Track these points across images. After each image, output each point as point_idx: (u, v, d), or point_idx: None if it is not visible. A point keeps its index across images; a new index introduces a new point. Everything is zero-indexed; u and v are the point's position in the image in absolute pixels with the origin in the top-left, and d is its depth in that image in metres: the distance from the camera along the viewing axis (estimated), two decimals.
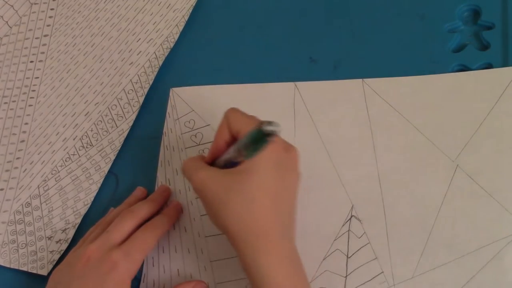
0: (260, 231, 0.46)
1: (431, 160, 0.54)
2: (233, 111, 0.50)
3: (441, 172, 0.53)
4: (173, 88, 0.64)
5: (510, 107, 0.54)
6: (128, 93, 0.64)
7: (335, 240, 0.53)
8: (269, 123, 0.40)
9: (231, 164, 0.48)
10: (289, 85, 0.61)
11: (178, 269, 0.56)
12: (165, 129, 0.62)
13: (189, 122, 0.62)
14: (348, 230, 0.54)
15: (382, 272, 0.51)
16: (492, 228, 0.51)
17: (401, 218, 0.53)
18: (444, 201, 0.52)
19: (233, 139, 0.49)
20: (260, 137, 0.41)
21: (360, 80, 0.59)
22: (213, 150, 0.51)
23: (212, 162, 0.51)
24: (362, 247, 0.53)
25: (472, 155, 0.53)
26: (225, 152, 0.49)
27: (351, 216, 0.54)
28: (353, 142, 0.57)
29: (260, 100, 0.61)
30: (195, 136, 0.61)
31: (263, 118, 0.59)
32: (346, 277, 0.52)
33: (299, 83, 0.61)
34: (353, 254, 0.53)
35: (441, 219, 0.52)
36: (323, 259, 0.53)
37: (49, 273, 0.58)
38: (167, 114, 0.63)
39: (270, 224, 0.46)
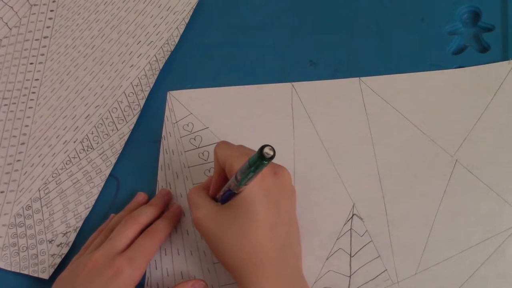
0: (255, 261, 0.47)
1: (430, 155, 0.54)
2: (219, 144, 0.52)
3: (441, 168, 0.54)
4: (170, 92, 0.64)
5: (507, 101, 0.55)
6: (129, 96, 0.64)
7: (337, 239, 0.54)
8: (268, 146, 0.40)
9: (229, 195, 0.49)
10: (287, 85, 0.61)
11: (181, 272, 0.56)
12: (164, 133, 0.62)
13: (187, 125, 0.62)
14: (350, 229, 0.54)
15: (386, 269, 0.52)
16: (493, 221, 0.51)
17: (402, 214, 0.53)
18: (444, 196, 0.53)
19: (224, 170, 0.51)
20: (258, 161, 0.42)
21: (357, 78, 0.59)
22: (213, 186, 0.53)
23: (215, 196, 0.53)
24: (364, 245, 0.53)
25: (470, 149, 0.54)
26: (225, 185, 0.50)
27: (353, 215, 0.54)
28: (352, 140, 0.57)
29: (258, 101, 0.61)
30: (194, 139, 0.61)
31: (261, 119, 0.60)
32: (350, 276, 0.52)
33: (296, 83, 0.61)
34: (356, 253, 0.53)
35: (442, 214, 0.52)
36: (326, 259, 0.53)
37: (51, 277, 0.58)
38: (165, 118, 0.63)
39: (265, 253, 0.47)
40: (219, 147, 0.51)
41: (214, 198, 0.52)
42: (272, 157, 0.40)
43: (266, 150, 0.40)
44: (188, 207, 0.57)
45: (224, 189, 0.50)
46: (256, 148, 0.51)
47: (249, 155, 0.45)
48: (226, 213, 0.48)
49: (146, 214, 0.56)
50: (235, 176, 0.46)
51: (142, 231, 0.55)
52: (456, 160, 0.54)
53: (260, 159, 0.41)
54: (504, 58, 0.57)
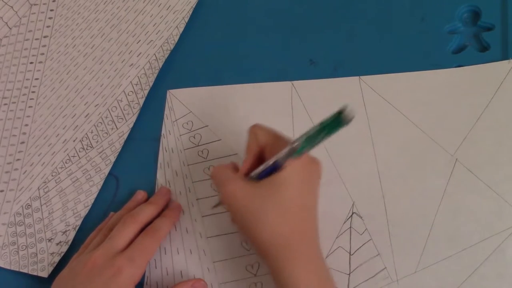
0: (293, 242, 0.46)
1: (430, 155, 0.55)
2: (259, 127, 0.51)
3: (441, 167, 0.54)
4: (169, 90, 0.64)
5: (507, 100, 0.55)
6: (128, 94, 0.64)
7: (337, 237, 0.54)
8: (347, 109, 0.40)
9: (271, 170, 0.48)
10: (286, 84, 0.61)
11: (181, 271, 0.56)
12: (163, 131, 0.62)
13: (187, 123, 0.62)
14: (350, 227, 0.54)
15: (385, 268, 0.52)
16: (493, 221, 0.51)
17: (402, 213, 0.53)
18: (444, 195, 0.53)
19: (262, 153, 0.50)
20: (336, 123, 0.42)
21: (357, 77, 0.59)
22: (246, 165, 0.51)
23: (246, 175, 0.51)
24: (364, 243, 0.53)
25: (471, 148, 0.54)
26: (263, 164, 0.49)
27: (353, 213, 0.54)
28: (351, 139, 0.57)
29: (258, 100, 0.61)
30: (194, 137, 0.61)
31: (261, 118, 0.60)
32: (349, 274, 0.52)
33: (296, 82, 0.61)
34: (355, 251, 0.53)
35: (442, 213, 0.52)
36: (326, 257, 0.53)
37: (50, 275, 0.58)
38: (164, 116, 0.63)
39: (301, 235, 0.47)
40: (259, 128, 0.51)
41: None
42: (350, 120, 0.40)
43: (348, 111, 0.40)
44: (189, 206, 0.57)
45: (265, 164, 0.48)
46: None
47: (288, 139, 0.46)
48: (266, 188, 0.47)
49: (146, 212, 0.56)
50: (290, 146, 0.45)
51: (141, 230, 0.54)
52: (456, 159, 0.54)
53: (339, 122, 0.41)
54: (504, 57, 0.57)
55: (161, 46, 0.66)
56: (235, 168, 0.52)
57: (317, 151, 0.56)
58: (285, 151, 0.46)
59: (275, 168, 0.47)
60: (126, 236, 0.53)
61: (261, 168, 0.49)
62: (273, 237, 0.46)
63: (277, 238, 0.46)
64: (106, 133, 0.64)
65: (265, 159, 0.49)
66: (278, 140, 0.49)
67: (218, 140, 0.60)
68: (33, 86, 0.70)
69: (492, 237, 0.51)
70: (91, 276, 0.50)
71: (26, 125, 0.67)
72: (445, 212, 0.52)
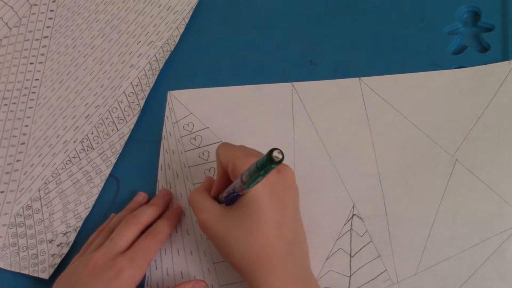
0: (264, 260, 0.47)
1: (430, 155, 0.55)
2: (221, 146, 0.52)
3: (441, 167, 0.54)
4: (170, 91, 0.64)
5: (507, 101, 0.55)
6: (129, 96, 0.64)
7: (337, 239, 0.54)
8: (277, 150, 0.40)
9: (234, 197, 0.49)
10: (287, 85, 0.61)
11: (181, 272, 0.56)
12: (164, 133, 0.62)
13: (187, 125, 0.62)
14: (350, 229, 0.54)
15: (386, 270, 0.52)
16: (493, 221, 0.51)
17: (402, 214, 0.53)
18: (444, 196, 0.53)
19: (226, 172, 0.51)
20: (267, 165, 0.41)
21: (357, 78, 0.59)
22: (216, 187, 0.52)
23: (217, 197, 0.53)
24: (364, 245, 0.53)
25: (470, 149, 0.54)
26: (228, 186, 0.50)
27: (353, 215, 0.54)
28: (352, 140, 0.57)
29: (258, 101, 0.61)
30: (194, 139, 0.61)
31: (262, 119, 0.60)
32: (350, 276, 0.52)
33: (296, 83, 0.61)
34: (356, 253, 0.53)
35: (442, 214, 0.52)
36: (327, 259, 0.53)
37: (51, 277, 0.58)
38: (165, 118, 0.63)
39: (273, 251, 0.47)
40: (221, 148, 0.51)
41: (216, 199, 0.52)
42: (281, 160, 0.40)
43: (275, 153, 0.40)
44: (189, 208, 0.57)
45: (228, 190, 0.50)
46: (257, 148, 0.51)
47: (253, 156, 0.46)
48: (232, 214, 0.48)
49: (147, 214, 0.56)
50: (240, 178, 0.46)
51: (143, 232, 0.55)
52: (456, 160, 0.54)
53: (269, 163, 0.41)
54: (504, 58, 0.57)
55: (161, 47, 0.66)
56: (210, 187, 0.54)
57: (318, 153, 0.57)
58: (237, 182, 0.46)
59: (237, 195, 0.48)
60: (127, 237, 0.53)
61: (224, 194, 0.50)
62: (242, 261, 0.48)
63: (246, 262, 0.47)
64: (106, 134, 0.64)
65: (231, 180, 0.50)
66: (238, 160, 0.48)
67: (218, 142, 0.60)
68: (33, 87, 0.70)
69: (492, 238, 0.50)
70: (92, 277, 0.50)
71: (26, 126, 0.67)
72: (445, 213, 0.52)
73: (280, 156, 0.40)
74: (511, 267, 0.49)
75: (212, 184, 0.54)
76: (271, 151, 0.40)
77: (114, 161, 0.63)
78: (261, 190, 0.47)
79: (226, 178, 0.51)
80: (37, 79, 0.70)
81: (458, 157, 0.54)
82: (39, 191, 0.63)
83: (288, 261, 0.47)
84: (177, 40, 0.67)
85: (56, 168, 0.63)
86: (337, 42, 0.63)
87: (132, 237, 0.53)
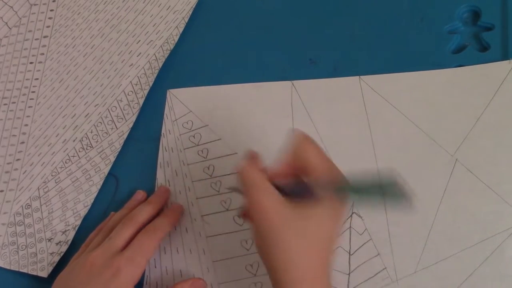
0: (307, 278, 0.43)
1: (430, 155, 0.55)
2: (310, 144, 0.47)
3: (441, 167, 0.54)
4: (169, 90, 0.64)
5: (507, 100, 0.55)
6: (128, 94, 0.64)
7: None
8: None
9: (301, 194, 0.45)
10: (286, 83, 0.61)
11: (180, 270, 0.56)
12: (163, 131, 0.62)
13: (187, 123, 0.62)
14: (350, 227, 0.54)
15: (385, 268, 0.52)
16: (493, 221, 0.51)
17: (401, 213, 0.53)
18: (444, 195, 0.53)
19: (302, 170, 0.46)
20: (395, 198, 0.39)
21: (357, 77, 0.59)
22: (278, 172, 0.47)
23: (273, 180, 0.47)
24: (364, 243, 0.53)
25: (471, 149, 0.54)
26: (295, 180, 0.46)
27: (352, 213, 0.54)
28: (351, 139, 0.57)
29: (257, 99, 0.61)
30: (194, 136, 0.61)
31: (261, 117, 0.60)
32: (349, 274, 0.52)
33: (296, 82, 0.61)
34: (355, 251, 0.53)
35: (442, 214, 0.52)
36: None
37: (49, 275, 0.58)
38: (164, 116, 0.63)
39: (317, 273, 0.44)
40: (309, 146, 0.47)
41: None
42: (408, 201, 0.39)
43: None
44: (189, 207, 0.57)
45: (305, 184, 0.45)
46: (257, 148, 0.49)
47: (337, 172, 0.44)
48: (298, 214, 0.44)
49: (145, 213, 0.56)
50: (341, 182, 0.43)
51: (141, 229, 0.54)
52: (456, 159, 0.54)
53: (399, 198, 0.39)
54: (504, 57, 0.57)
55: (161, 46, 0.66)
56: (261, 167, 0.48)
57: None
58: (332, 182, 0.43)
59: (307, 192, 0.44)
60: (125, 236, 0.53)
61: (297, 185, 0.46)
62: (289, 267, 0.43)
63: (293, 269, 0.43)
64: (106, 133, 0.64)
65: (301, 176, 0.46)
66: (328, 168, 0.45)
67: (218, 140, 0.60)
68: (33, 86, 0.70)
69: (492, 237, 0.51)
70: (90, 276, 0.50)
71: (26, 125, 0.67)
72: (445, 212, 0.52)
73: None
74: (511, 266, 0.49)
75: (261, 164, 0.49)
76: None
77: (113, 159, 0.63)
78: (332, 208, 0.44)
79: (293, 169, 0.47)
80: (36, 79, 0.70)
81: (458, 157, 0.54)
82: (39, 189, 0.62)
83: (326, 282, 0.44)
84: (176, 39, 0.67)
85: (56, 167, 0.63)
86: (337, 40, 0.63)
87: (129, 236, 0.53)
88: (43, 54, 0.72)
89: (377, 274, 0.52)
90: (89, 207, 0.61)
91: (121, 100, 0.64)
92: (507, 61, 0.56)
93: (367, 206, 0.43)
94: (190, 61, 0.67)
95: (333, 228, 0.45)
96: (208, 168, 0.59)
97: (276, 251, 0.44)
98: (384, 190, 0.40)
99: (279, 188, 0.45)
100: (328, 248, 0.45)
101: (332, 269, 0.47)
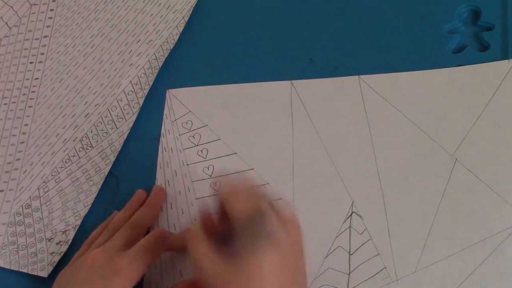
0: None
1: (430, 154, 0.55)
2: (230, 195, 0.46)
3: (440, 166, 0.54)
4: (169, 90, 0.64)
5: (507, 100, 0.55)
6: (128, 94, 0.64)
7: (336, 237, 0.54)
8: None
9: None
10: (286, 83, 0.61)
11: (180, 270, 0.56)
12: (163, 131, 0.62)
13: (186, 123, 0.62)
14: (349, 227, 0.54)
15: (385, 267, 0.52)
16: (492, 220, 0.51)
17: (401, 213, 0.53)
18: (444, 194, 0.53)
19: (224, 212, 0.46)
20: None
21: (357, 77, 0.59)
22: (221, 223, 0.47)
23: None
24: (364, 243, 0.53)
25: (470, 148, 0.54)
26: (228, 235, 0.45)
27: (352, 213, 0.54)
28: (351, 138, 0.57)
29: (257, 99, 0.61)
30: (193, 137, 0.61)
31: (260, 117, 0.60)
32: (349, 274, 0.52)
33: (295, 82, 0.61)
34: (355, 251, 0.53)
35: (442, 213, 0.52)
36: (325, 257, 0.53)
37: (50, 275, 0.58)
38: (164, 116, 0.63)
39: None
40: (230, 198, 0.45)
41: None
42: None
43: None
44: (189, 208, 0.58)
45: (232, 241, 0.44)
46: (257, 146, 0.49)
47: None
48: (235, 274, 0.42)
49: (146, 216, 0.56)
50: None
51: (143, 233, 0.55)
52: (456, 159, 0.54)
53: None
54: (504, 57, 0.57)
55: (160, 45, 0.66)
56: (207, 223, 0.48)
57: (317, 151, 0.57)
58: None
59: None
60: (127, 238, 0.53)
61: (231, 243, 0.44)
62: None
63: None
64: (106, 132, 0.64)
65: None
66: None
67: (217, 140, 0.60)
68: (33, 86, 0.70)
69: (492, 237, 0.50)
70: (90, 274, 0.50)
71: (26, 124, 0.67)
72: (445, 212, 0.52)
73: None
74: (511, 266, 0.49)
75: (208, 216, 0.48)
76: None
77: (113, 159, 0.63)
78: (271, 262, 0.41)
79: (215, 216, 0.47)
80: (36, 78, 0.70)
81: (458, 156, 0.54)
82: (39, 189, 0.63)
83: None
84: (176, 38, 0.67)
85: (56, 167, 0.63)
86: (337, 40, 0.63)
87: (132, 238, 0.53)
88: (43, 54, 0.72)
89: (377, 273, 0.52)
90: (89, 206, 0.61)
91: (121, 100, 0.64)
92: (507, 60, 0.56)
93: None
94: (190, 61, 0.67)
95: (282, 279, 0.42)
96: (208, 168, 0.59)
97: None
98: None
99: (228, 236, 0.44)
100: (282, 280, 0.42)
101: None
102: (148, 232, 0.56)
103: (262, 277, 0.41)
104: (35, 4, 0.75)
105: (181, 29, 0.68)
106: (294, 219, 0.45)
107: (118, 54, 0.68)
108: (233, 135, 0.60)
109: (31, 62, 0.71)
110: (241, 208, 0.44)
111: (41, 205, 0.62)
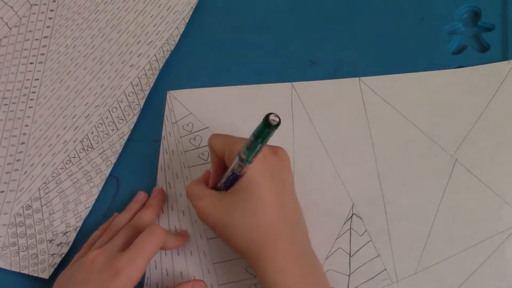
0: (268, 241, 0.47)
1: (430, 155, 0.55)
2: (213, 136, 0.52)
3: (440, 167, 0.54)
4: (169, 91, 0.64)
5: (507, 101, 0.55)
6: (129, 95, 0.64)
7: (337, 239, 0.54)
8: (273, 114, 0.40)
9: (233, 179, 0.49)
10: (286, 85, 0.61)
11: (181, 272, 0.56)
12: (163, 133, 0.62)
13: (187, 125, 0.62)
14: (350, 228, 0.54)
15: (385, 269, 0.52)
16: (492, 221, 0.51)
17: (401, 214, 0.53)
18: (444, 195, 0.53)
19: (223, 161, 0.51)
20: (265, 130, 0.41)
21: (357, 78, 0.59)
22: (212, 177, 0.53)
23: (215, 187, 0.53)
24: (364, 245, 0.53)
25: (470, 149, 0.54)
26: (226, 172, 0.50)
27: (352, 214, 0.54)
28: (351, 140, 0.57)
29: (257, 101, 0.61)
30: (194, 139, 0.61)
31: (261, 119, 0.59)
32: (349, 275, 0.52)
33: (296, 83, 0.61)
34: (355, 253, 0.53)
35: (442, 214, 0.52)
36: (326, 258, 0.53)
37: (50, 276, 0.58)
38: (165, 118, 0.63)
39: (277, 232, 0.47)
40: (213, 139, 0.52)
41: (214, 189, 0.53)
42: (278, 124, 0.40)
43: (272, 117, 0.40)
44: (190, 208, 0.58)
45: (226, 175, 0.49)
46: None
47: (245, 139, 0.45)
48: (232, 197, 0.49)
49: (146, 218, 0.56)
50: (238, 156, 0.46)
51: None
52: (456, 159, 0.54)
53: (267, 127, 0.40)
54: (504, 58, 0.57)
55: (161, 46, 0.66)
56: (207, 180, 0.54)
57: (317, 153, 0.57)
58: (236, 162, 0.46)
59: (236, 176, 0.48)
60: (127, 239, 0.53)
61: (223, 180, 0.50)
62: (246, 243, 0.48)
63: (249, 243, 0.47)
64: (106, 134, 0.64)
65: (227, 167, 0.50)
66: (233, 145, 0.49)
67: None
68: (33, 87, 0.70)
69: (492, 238, 0.51)
70: (90, 275, 0.50)
71: (26, 125, 0.67)
72: (445, 213, 0.52)
73: (277, 120, 0.40)
74: (511, 266, 0.50)
75: (208, 178, 0.54)
76: (267, 115, 0.40)
77: (114, 160, 0.63)
78: (259, 170, 0.48)
79: (222, 167, 0.52)
80: (37, 79, 0.70)
81: (458, 157, 0.54)
82: (39, 190, 0.63)
83: (291, 242, 0.48)
84: (177, 39, 0.67)
85: (56, 168, 0.63)
86: (337, 42, 0.63)
87: (133, 239, 0.53)
88: (43, 54, 0.72)
89: (377, 275, 0.52)
90: (90, 208, 0.61)
91: (121, 101, 0.64)
92: (507, 61, 0.56)
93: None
94: (191, 62, 0.67)
95: (269, 186, 0.48)
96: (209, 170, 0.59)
97: (228, 235, 0.49)
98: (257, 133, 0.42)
99: (227, 183, 0.50)
100: (279, 206, 0.48)
101: (303, 222, 0.51)
102: None
103: (256, 184, 0.47)
104: (35, 5, 0.75)
105: (181, 30, 0.68)
106: (282, 149, 0.51)
107: (119, 55, 0.68)
108: None
109: (31, 63, 0.71)
110: (226, 141, 0.51)
111: (41, 206, 0.62)
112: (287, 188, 0.50)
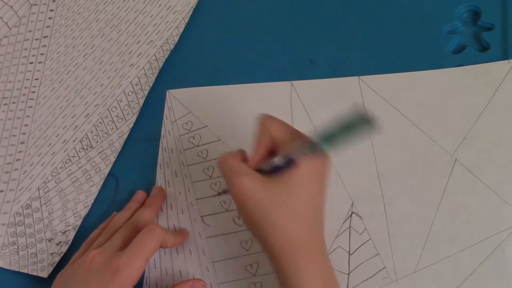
0: (302, 246, 0.45)
1: (430, 155, 0.55)
2: (273, 120, 0.48)
3: (440, 167, 0.54)
4: (169, 90, 0.64)
5: (507, 100, 0.55)
6: (128, 95, 0.64)
7: (336, 237, 0.54)
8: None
9: (275, 170, 0.46)
10: (286, 84, 0.61)
11: (180, 271, 0.56)
12: (163, 132, 0.62)
13: (186, 123, 0.62)
14: (349, 227, 0.54)
15: (385, 267, 0.52)
16: (492, 221, 0.51)
17: (401, 213, 0.53)
18: (444, 195, 0.53)
19: (275, 147, 0.47)
20: (361, 124, 0.39)
21: (356, 77, 0.59)
22: (256, 158, 0.48)
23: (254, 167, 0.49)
24: (363, 243, 0.53)
25: (470, 148, 0.54)
26: (272, 157, 0.47)
27: (352, 213, 0.54)
28: None
29: (257, 100, 0.61)
30: (193, 137, 0.61)
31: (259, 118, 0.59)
32: (348, 274, 0.52)
33: (295, 82, 0.61)
34: (354, 251, 0.53)
35: (442, 213, 0.52)
36: None
37: (50, 275, 0.58)
38: (164, 116, 0.63)
39: (310, 240, 0.45)
40: (273, 121, 0.48)
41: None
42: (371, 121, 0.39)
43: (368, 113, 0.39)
44: (189, 208, 0.57)
45: (281, 157, 0.46)
46: None
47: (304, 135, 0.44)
48: (278, 188, 0.45)
49: (146, 217, 0.56)
50: (310, 142, 0.44)
51: None
52: (456, 159, 0.54)
53: (365, 122, 0.39)
54: (504, 57, 0.57)
55: (161, 46, 0.66)
56: (244, 158, 0.49)
57: None
58: (303, 146, 0.44)
59: (288, 163, 0.45)
60: (126, 238, 0.53)
61: (275, 160, 0.46)
62: (281, 237, 0.45)
63: (285, 238, 0.45)
64: (106, 133, 0.64)
65: (277, 154, 0.46)
66: (293, 135, 0.47)
67: (217, 141, 0.60)
68: (33, 86, 0.70)
69: (491, 237, 0.51)
70: (89, 275, 0.50)
71: (26, 125, 0.67)
72: (445, 212, 0.52)
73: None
74: (510, 266, 0.50)
75: (245, 157, 0.49)
76: (361, 110, 0.38)
77: (113, 160, 0.63)
78: (312, 169, 0.45)
79: (269, 151, 0.48)
80: (36, 79, 0.70)
81: (458, 157, 0.54)
82: (39, 190, 0.63)
83: (321, 257, 0.46)
84: (176, 39, 0.67)
85: (56, 167, 0.63)
86: (337, 41, 0.63)
87: (131, 239, 0.53)
88: (43, 54, 0.72)
89: (376, 273, 0.52)
90: (89, 207, 0.61)
91: (121, 101, 0.64)
92: (507, 61, 0.56)
93: (344, 147, 0.43)
94: (190, 61, 0.67)
95: (317, 187, 0.46)
96: (208, 169, 0.59)
97: (263, 223, 0.45)
98: (351, 125, 0.40)
99: (263, 172, 0.46)
100: (315, 209, 0.46)
101: (324, 233, 0.48)
102: None
103: (308, 183, 0.45)
104: (35, 4, 0.75)
105: (181, 30, 0.68)
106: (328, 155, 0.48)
107: (118, 55, 0.68)
108: (233, 136, 0.60)
109: (31, 63, 0.71)
110: (284, 133, 0.47)
111: (41, 206, 0.62)
112: (324, 196, 0.48)
